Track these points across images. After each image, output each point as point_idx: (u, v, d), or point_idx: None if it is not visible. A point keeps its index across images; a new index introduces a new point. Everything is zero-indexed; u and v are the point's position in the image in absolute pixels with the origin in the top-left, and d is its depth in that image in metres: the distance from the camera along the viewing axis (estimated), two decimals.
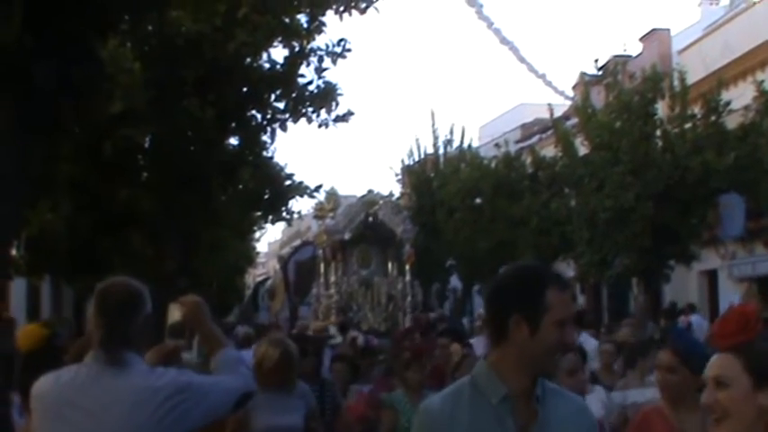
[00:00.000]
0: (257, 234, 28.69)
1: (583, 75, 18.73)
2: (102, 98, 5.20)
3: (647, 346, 5.16)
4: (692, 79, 15.40)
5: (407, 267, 16.22)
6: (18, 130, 2.26)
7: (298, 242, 32.12)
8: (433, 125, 25.49)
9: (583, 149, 16.33)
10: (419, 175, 25.08)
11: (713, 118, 14.55)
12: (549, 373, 1.92)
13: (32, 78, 2.33)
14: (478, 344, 6.96)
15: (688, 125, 14.71)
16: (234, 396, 2.55)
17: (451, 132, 25.33)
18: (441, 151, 25.34)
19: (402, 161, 26.58)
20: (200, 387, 2.45)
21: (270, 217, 9.02)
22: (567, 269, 20.01)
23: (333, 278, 15.91)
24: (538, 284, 1.88)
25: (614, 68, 15.68)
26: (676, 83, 15.01)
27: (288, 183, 8.91)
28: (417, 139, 26.35)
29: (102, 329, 2.37)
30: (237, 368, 2.61)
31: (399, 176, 26.55)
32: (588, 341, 7.06)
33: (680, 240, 14.49)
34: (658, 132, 14.96)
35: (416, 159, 26.03)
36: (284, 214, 9.00)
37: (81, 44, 2.60)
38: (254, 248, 32.63)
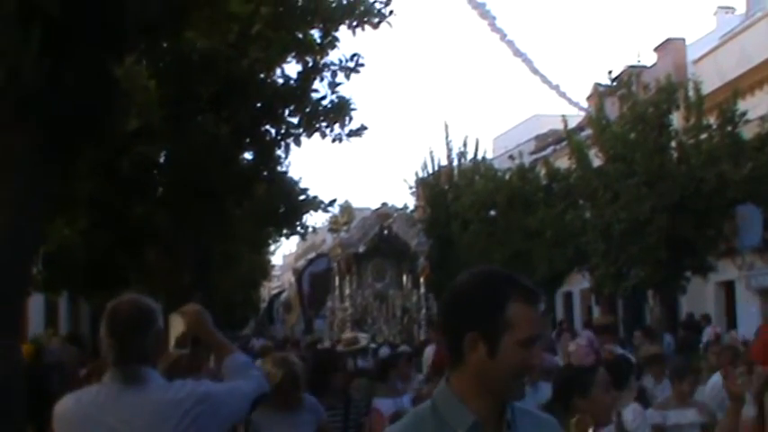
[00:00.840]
0: (272, 247, 28.87)
1: (597, 85, 18.70)
2: (119, 118, 5.25)
3: (684, 368, 4.97)
4: (707, 89, 15.34)
5: (422, 280, 16.25)
6: (37, 152, 2.30)
7: (312, 255, 32.21)
8: (447, 137, 25.59)
9: (597, 161, 16.28)
10: (433, 188, 25.08)
11: (729, 128, 14.47)
12: (515, 397, 1.61)
13: (50, 102, 2.37)
14: None
15: (703, 136, 14.64)
16: (250, 399, 2.58)
17: (465, 144, 25.36)
18: (455, 163, 25.33)
19: (416, 174, 26.60)
20: (218, 395, 2.47)
21: (284, 231, 9.04)
22: (582, 281, 19.93)
23: (347, 291, 15.98)
24: (497, 296, 1.58)
25: (628, 79, 15.65)
26: (691, 93, 14.95)
27: (302, 197, 8.93)
28: (431, 152, 26.45)
29: (114, 349, 2.40)
30: (249, 371, 2.63)
31: (413, 189, 26.56)
32: (617, 352, 6.93)
33: (696, 252, 14.39)
34: (673, 143, 14.89)
35: (430, 172, 26.02)
36: (298, 228, 9.02)
37: (98, 67, 2.65)
38: (269, 262, 32.69)
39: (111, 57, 2.84)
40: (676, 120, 15.04)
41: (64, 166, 2.76)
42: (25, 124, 2.32)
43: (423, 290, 16.21)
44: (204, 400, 2.42)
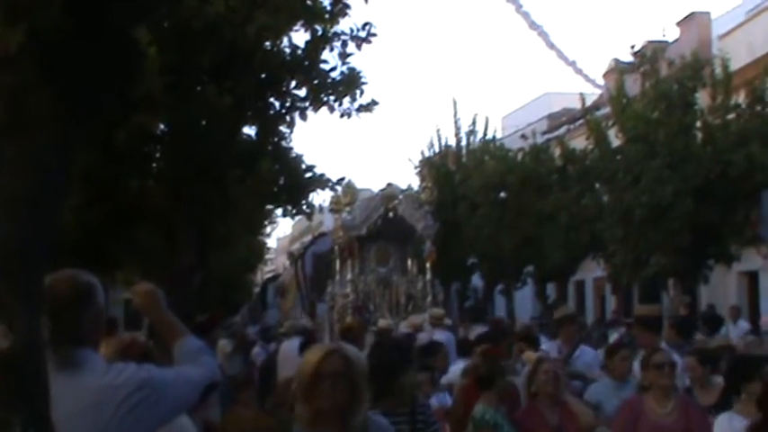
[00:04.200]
0: (268, 229, 28.87)
1: (616, 62, 18.65)
2: (141, 81, 5.25)
3: (755, 365, 4.73)
4: (735, 66, 15.30)
5: (428, 265, 16.26)
6: (62, 122, 2.30)
7: (309, 238, 32.21)
8: (455, 115, 25.53)
9: (616, 141, 16.27)
10: (440, 168, 25.08)
11: (758, 108, 14.46)
12: None
13: (74, 65, 2.36)
14: (552, 349, 6.87)
15: (731, 116, 14.62)
16: (198, 388, 2.54)
17: (474, 122, 25.32)
18: (463, 142, 25.32)
19: (422, 153, 26.60)
20: (161, 381, 2.42)
21: (289, 209, 9.04)
22: (596, 269, 20.00)
23: (349, 276, 15.98)
24: None
25: (652, 54, 15.59)
26: (718, 70, 14.92)
27: (308, 175, 8.92)
28: (438, 130, 26.46)
29: (48, 329, 2.29)
30: (200, 358, 2.58)
31: (419, 169, 26.56)
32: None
33: (721, 239, 14.42)
34: (698, 123, 14.88)
35: (437, 151, 26.02)
36: (304, 207, 9.02)
37: (120, 30, 2.64)
38: (265, 244, 32.73)
39: (132, 19, 2.84)
40: (702, 98, 15.01)
41: (88, 130, 2.75)
42: (48, 85, 2.31)
43: (429, 276, 16.21)
44: (145, 386, 2.36)
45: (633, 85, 16.12)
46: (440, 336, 10.05)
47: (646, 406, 4.84)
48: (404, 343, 6.08)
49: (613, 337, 12.85)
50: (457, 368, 7.27)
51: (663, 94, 14.87)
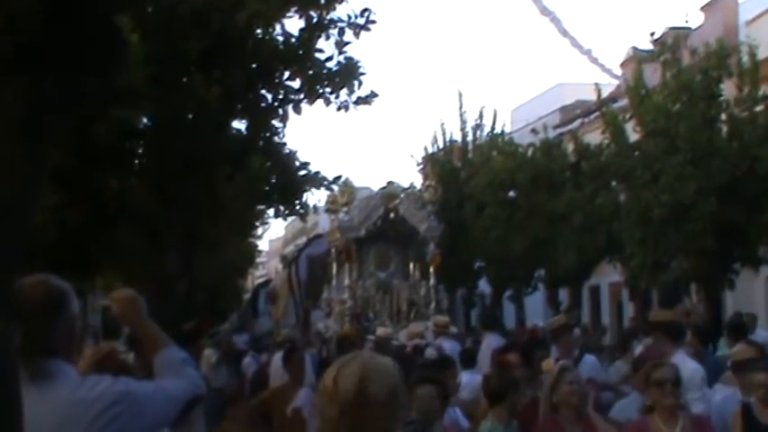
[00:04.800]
0: (259, 230, 28.85)
1: (634, 50, 18.64)
2: (124, 70, 5.24)
3: None
4: (763, 54, 15.28)
5: (432, 270, 16.27)
6: (36, 114, 2.29)
7: (303, 240, 32.20)
8: (461, 108, 25.53)
9: (634, 136, 16.26)
10: (444, 165, 25.09)
11: None
12: None
13: (47, 54, 2.35)
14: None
15: (759, 108, 14.61)
16: (179, 402, 2.53)
17: (481, 116, 25.35)
18: (469, 137, 25.32)
19: (425, 149, 26.60)
20: (140, 395, 2.42)
21: (282, 209, 9.04)
22: (612, 273, 20.00)
23: (346, 281, 15.99)
24: None
25: (673, 42, 15.58)
26: (745, 58, 14.91)
27: (302, 173, 8.93)
28: (443, 124, 26.40)
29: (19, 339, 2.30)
30: (182, 370, 2.58)
31: (422, 166, 26.55)
32: (685, 364, 5.67)
33: (747, 241, 14.41)
34: (724, 116, 14.87)
35: (441, 147, 26.02)
36: (298, 208, 9.02)
37: (101, 17, 2.63)
38: (256, 247, 32.74)
39: (113, 4, 2.82)
40: (727, 89, 15.00)
41: (65, 123, 2.74)
42: (25, 73, 2.30)
43: (432, 281, 16.22)
44: (122, 401, 2.36)
45: (653, 76, 16.12)
46: (445, 345, 10.04)
47: (653, 427, 4.69)
48: (406, 357, 6.00)
49: (639, 349, 12.78)
50: (467, 381, 7.25)
51: (685, 85, 14.86)
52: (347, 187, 15.65)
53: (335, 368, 2.34)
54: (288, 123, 8.81)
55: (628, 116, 16.57)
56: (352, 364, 2.33)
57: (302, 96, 8.49)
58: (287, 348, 8.44)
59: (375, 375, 2.31)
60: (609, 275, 21.75)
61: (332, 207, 16.38)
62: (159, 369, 2.58)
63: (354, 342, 8.21)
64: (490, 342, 9.75)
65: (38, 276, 2.47)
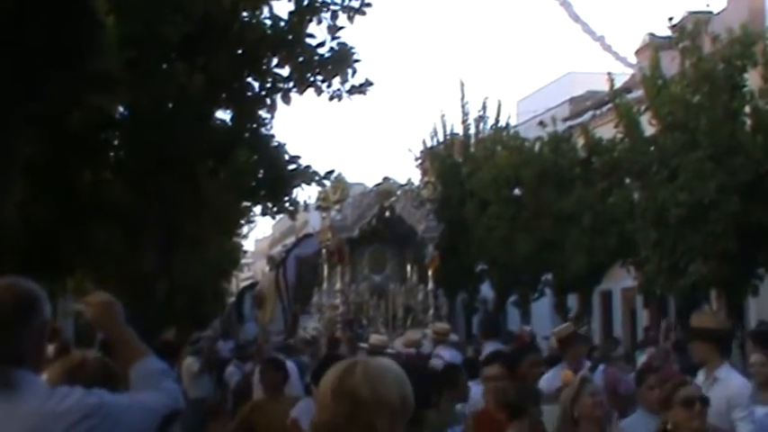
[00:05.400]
0: (245, 229, 28.82)
1: (651, 36, 18.65)
2: (99, 54, 5.24)
3: None
4: None
5: (430, 273, 16.30)
6: (4, 103, 2.30)
7: (292, 240, 32.21)
8: (463, 98, 25.50)
9: (650, 129, 16.27)
10: (445, 160, 25.07)
11: None
12: None
13: (20, 37, 2.36)
14: (556, 374, 6.82)
15: None
16: (156, 417, 2.53)
17: (484, 107, 25.33)
18: (471, 130, 25.31)
19: (424, 142, 26.59)
20: (113, 408, 2.42)
21: (270, 206, 9.07)
22: (626, 278, 20.02)
23: (338, 285, 16.01)
24: None
25: (694, 28, 15.58)
26: None
27: (291, 167, 8.95)
28: (443, 116, 26.38)
29: None
30: (161, 382, 2.59)
31: (420, 161, 26.54)
32: (731, 378, 5.51)
33: None
34: (747, 109, 14.86)
35: (441, 140, 26.01)
36: (287, 205, 9.04)
37: None
38: (242, 246, 32.74)
39: None
40: (752, 79, 15.00)
41: (35, 113, 2.75)
42: None
43: (431, 285, 16.24)
44: (94, 414, 2.37)
45: (671, 64, 16.11)
46: (444, 354, 10.06)
47: None
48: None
49: (642, 359, 12.80)
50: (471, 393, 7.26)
51: (706, 75, 14.86)
52: (340, 183, 15.69)
53: (341, 370, 2.34)
54: (276, 114, 8.84)
55: (643, 108, 16.54)
56: (363, 365, 2.36)
57: (292, 85, 8.54)
58: (263, 362, 8.44)
59: (388, 378, 2.34)
60: (621, 280, 21.76)
61: (323, 204, 16.40)
62: (136, 380, 2.58)
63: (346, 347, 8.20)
64: (490, 351, 9.76)
65: (6, 279, 2.48)
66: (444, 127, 26.10)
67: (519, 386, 5.37)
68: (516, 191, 21.66)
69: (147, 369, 2.61)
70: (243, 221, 24.12)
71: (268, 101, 8.67)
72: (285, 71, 8.53)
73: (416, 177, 26.27)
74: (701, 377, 5.55)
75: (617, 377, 6.76)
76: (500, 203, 21.66)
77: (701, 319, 6.39)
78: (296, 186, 9.08)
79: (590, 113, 25.64)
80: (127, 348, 2.65)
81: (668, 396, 4.56)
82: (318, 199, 16.53)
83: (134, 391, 2.56)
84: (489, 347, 10.40)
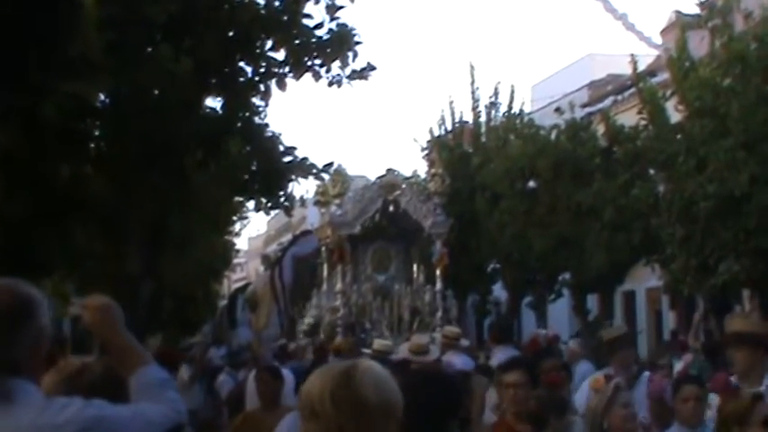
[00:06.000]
0: (237, 226, 28.85)
1: (678, 14, 18.60)
2: (80, 40, 5.23)
3: None
4: None
5: (438, 272, 16.28)
6: None
7: (288, 237, 32.26)
8: (473, 83, 25.46)
9: (676, 116, 16.23)
10: (453, 150, 25.06)
11: None
12: None
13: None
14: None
15: None
16: (159, 430, 2.56)
17: (496, 93, 25.30)
18: (482, 118, 25.30)
19: (430, 131, 26.56)
20: (114, 421, 2.45)
21: (264, 201, 9.08)
22: (650, 277, 20.00)
23: (339, 285, 15.99)
24: None
25: (724, 5, 15.54)
26: None
27: (287, 159, 8.95)
28: (451, 103, 26.36)
29: None
30: (163, 393, 2.62)
31: (426, 152, 26.51)
32: None
33: None
34: None
35: (450, 129, 25.99)
36: (282, 200, 9.05)
37: None
38: (234, 245, 32.82)
39: None
40: None
41: (7, 100, 2.72)
42: None
43: (439, 285, 16.22)
44: (93, 427, 2.39)
45: (699, 45, 16.06)
46: (455, 360, 10.03)
47: None
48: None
49: (678, 366, 12.76)
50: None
51: (737, 56, 14.79)
52: (340, 176, 15.66)
53: (339, 374, 2.37)
54: (270, 101, 8.83)
55: (669, 93, 16.51)
56: (363, 368, 2.40)
57: (287, 70, 8.54)
58: (259, 369, 8.43)
59: (391, 383, 2.41)
60: (646, 280, 21.74)
61: (322, 199, 16.39)
62: (136, 390, 2.60)
63: (347, 357, 8.18)
64: (500, 358, 9.73)
65: (4, 281, 2.50)
66: (453, 114, 26.08)
67: (541, 395, 5.31)
68: (531, 183, 21.64)
69: (149, 378, 2.63)
70: (235, 218, 24.21)
71: (262, 87, 8.69)
72: (280, 55, 8.54)
73: (422, 169, 26.34)
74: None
75: (662, 386, 6.70)
76: (513, 197, 21.66)
77: (743, 322, 6.25)
78: (292, 180, 9.07)
79: (611, 99, 25.65)
80: (127, 355, 2.66)
81: (744, 413, 4.37)
82: (316, 193, 16.52)
83: (134, 402, 2.58)
84: (500, 353, 10.38)
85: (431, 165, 24.64)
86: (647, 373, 7.30)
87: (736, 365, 5.78)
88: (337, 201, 16.05)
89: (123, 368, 2.67)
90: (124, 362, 2.67)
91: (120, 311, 2.69)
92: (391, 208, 16.02)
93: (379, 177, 16.59)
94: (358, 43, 8.46)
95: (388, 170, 16.56)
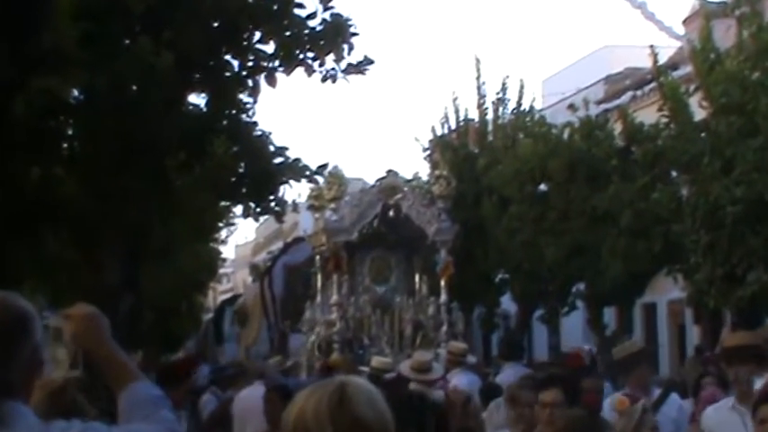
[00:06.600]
0: (224, 233, 28.86)
1: (702, 2, 18.62)
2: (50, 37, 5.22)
3: None
4: None
5: (443, 283, 16.24)
6: None
7: (279, 245, 32.26)
8: (479, 78, 25.50)
9: (700, 113, 16.24)
10: (457, 151, 25.07)
11: None
12: None
13: None
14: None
15: None
16: None
17: (504, 88, 25.32)
18: (489, 116, 25.32)
19: (433, 130, 26.58)
20: None
21: (252, 206, 9.09)
22: (673, 288, 19.99)
23: (335, 297, 15.95)
24: None
25: None
26: None
27: (278, 160, 8.96)
28: (455, 99, 26.38)
29: None
30: (156, 412, 2.61)
31: (429, 152, 26.52)
32: None
33: None
34: None
35: (454, 127, 26.00)
36: (272, 204, 9.06)
37: None
38: (220, 254, 32.86)
39: None
40: None
41: None
42: None
43: (444, 297, 16.18)
44: None
45: (725, 35, 16.09)
46: (461, 380, 10.00)
47: None
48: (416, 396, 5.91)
49: (759, 383, 12.69)
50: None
51: (767, 47, 14.83)
52: (336, 178, 15.60)
53: (331, 391, 2.42)
54: (259, 98, 8.84)
55: (692, 88, 16.53)
56: (354, 385, 2.47)
57: (277, 64, 8.55)
58: (268, 389, 8.36)
59: (381, 399, 2.49)
60: (667, 291, 21.75)
61: (316, 203, 16.32)
62: (126, 409, 2.59)
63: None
64: (509, 375, 9.68)
65: None
66: (457, 112, 26.10)
67: (576, 415, 5.29)
68: (542, 186, 21.66)
69: (140, 396, 2.62)
70: (221, 224, 24.19)
71: (250, 82, 8.72)
72: (270, 47, 8.57)
73: (424, 171, 26.34)
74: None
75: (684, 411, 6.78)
76: (523, 201, 21.68)
77: (743, 336, 6.46)
78: (283, 183, 9.10)
79: (629, 94, 25.66)
80: (116, 369, 2.65)
81: None
82: (310, 197, 16.47)
83: (124, 422, 2.58)
84: (510, 371, 10.35)
85: (433, 166, 24.68)
86: (675, 396, 7.26)
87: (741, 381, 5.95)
88: (333, 204, 16.01)
89: (112, 383, 2.66)
90: (112, 376, 2.65)
91: (107, 321, 2.66)
92: (391, 213, 15.96)
93: (378, 180, 16.53)
94: (354, 35, 8.49)
95: (389, 172, 16.48)
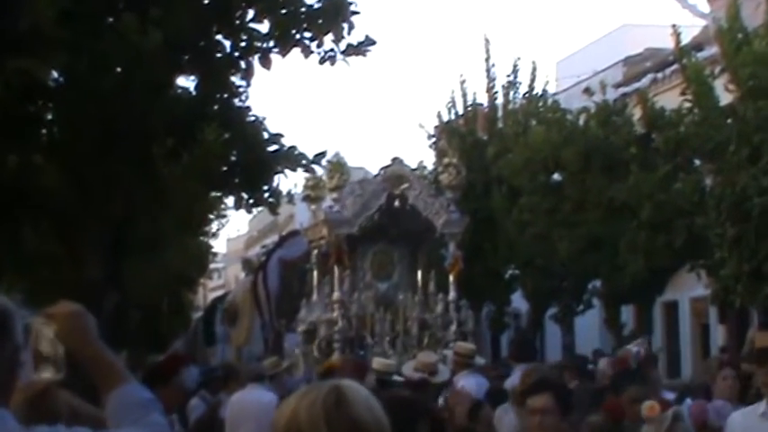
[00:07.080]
0: (214, 226, 28.88)
1: None
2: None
3: None
4: None
5: (451, 278, 16.24)
6: None
7: (274, 238, 32.25)
8: (488, 60, 25.50)
9: (726, 98, 16.20)
10: (465, 138, 25.07)
11: None
12: None
13: None
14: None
15: None
16: None
17: (515, 71, 25.34)
18: (499, 100, 25.32)
19: (439, 116, 26.55)
20: None
21: (245, 197, 9.08)
22: (696, 285, 19.98)
23: (335, 294, 15.94)
24: None
25: None
26: None
27: (273, 148, 8.93)
28: (463, 82, 26.37)
29: None
30: (145, 415, 2.62)
31: (435, 139, 26.50)
32: None
33: None
34: None
35: (461, 113, 25.99)
36: (266, 195, 9.04)
37: None
38: (210, 248, 32.90)
39: None
40: None
41: None
42: None
43: (452, 294, 16.17)
44: None
45: (754, 13, 16.07)
46: (469, 383, 9.98)
47: None
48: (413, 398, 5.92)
49: None
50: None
51: None
52: (336, 167, 15.57)
53: (325, 394, 2.45)
54: (253, 81, 8.82)
55: (718, 70, 16.50)
56: (348, 388, 2.51)
57: (272, 44, 8.52)
58: (281, 397, 8.34)
59: (375, 401, 2.54)
60: (690, 288, 21.73)
61: (312, 194, 16.29)
62: (115, 413, 2.61)
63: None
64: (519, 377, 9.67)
65: None
66: (465, 96, 26.14)
67: (595, 424, 5.29)
68: (555, 176, 21.68)
69: (129, 399, 2.63)
70: (212, 216, 24.19)
71: (242, 64, 8.69)
72: (264, 26, 8.53)
73: (429, 160, 26.31)
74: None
75: (703, 408, 6.74)
76: (535, 192, 21.73)
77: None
78: (278, 172, 9.07)
79: (649, 77, 25.62)
80: (103, 370, 2.66)
81: None
82: (306, 187, 16.42)
83: (113, 426, 2.60)
84: (518, 372, 10.33)
85: (440, 155, 24.62)
86: (688, 401, 7.28)
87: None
88: (333, 195, 15.98)
89: (99, 385, 2.66)
90: (100, 378, 2.66)
91: (93, 319, 2.67)
92: (397, 203, 15.92)
93: (382, 168, 16.48)
94: (354, 13, 8.46)
95: (394, 159, 16.43)
